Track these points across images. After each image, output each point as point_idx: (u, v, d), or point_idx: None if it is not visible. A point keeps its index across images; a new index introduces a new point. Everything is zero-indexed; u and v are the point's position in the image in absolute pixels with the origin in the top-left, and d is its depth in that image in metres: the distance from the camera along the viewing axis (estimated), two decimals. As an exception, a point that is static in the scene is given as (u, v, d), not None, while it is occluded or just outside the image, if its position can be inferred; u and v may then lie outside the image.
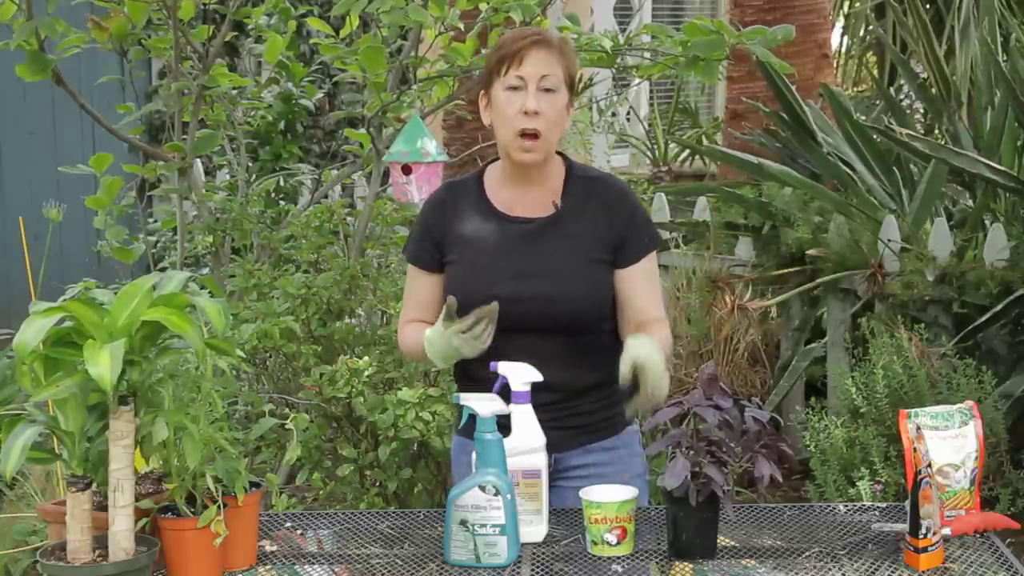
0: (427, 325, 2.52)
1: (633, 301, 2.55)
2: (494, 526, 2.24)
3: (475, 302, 2.43)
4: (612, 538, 2.28)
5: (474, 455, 2.32)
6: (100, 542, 2.05)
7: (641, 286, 2.57)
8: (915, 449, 2.29)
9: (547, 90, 2.50)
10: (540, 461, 2.38)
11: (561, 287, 2.52)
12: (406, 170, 3.75)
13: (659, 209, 5.62)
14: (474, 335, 2.39)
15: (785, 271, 5.09)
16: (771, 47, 3.70)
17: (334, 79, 6.48)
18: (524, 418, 2.39)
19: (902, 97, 9.01)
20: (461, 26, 3.94)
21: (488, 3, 3.89)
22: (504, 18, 3.89)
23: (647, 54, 4.03)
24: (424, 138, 3.71)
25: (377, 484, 3.58)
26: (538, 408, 2.45)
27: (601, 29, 7.97)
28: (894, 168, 5.40)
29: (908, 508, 2.21)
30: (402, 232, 4.32)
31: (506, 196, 2.60)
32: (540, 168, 2.57)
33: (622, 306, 2.56)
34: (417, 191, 3.71)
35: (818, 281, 4.89)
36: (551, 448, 2.51)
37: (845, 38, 10.46)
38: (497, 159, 2.66)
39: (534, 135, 2.49)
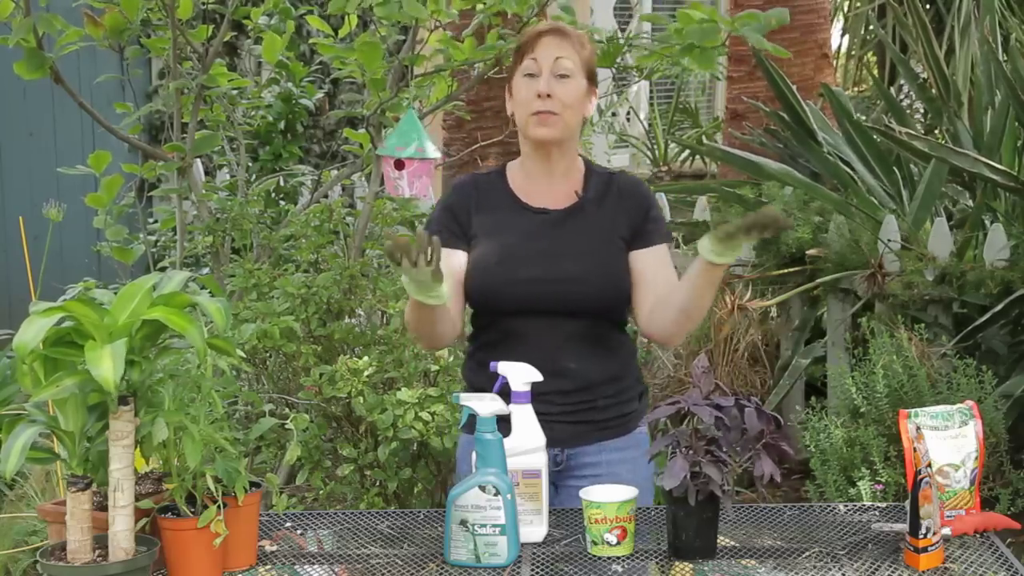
0: None
1: (656, 281, 2.58)
2: (494, 526, 2.24)
3: (502, 284, 2.55)
4: (612, 538, 2.28)
5: (474, 455, 2.32)
6: (100, 542, 2.05)
7: (663, 266, 2.61)
8: (915, 449, 2.30)
9: (562, 76, 2.56)
10: (540, 461, 2.38)
11: (588, 268, 2.57)
12: (399, 165, 3.75)
13: (659, 209, 5.62)
14: (407, 269, 2.32)
15: (785, 271, 5.10)
16: (768, 35, 3.68)
17: (331, 77, 6.48)
18: (524, 418, 2.39)
19: (902, 97, 9.03)
20: (457, 20, 3.94)
21: (484, 2, 3.89)
22: (498, 8, 3.88)
23: (646, 53, 4.03)
24: (418, 134, 3.71)
25: (377, 484, 3.58)
26: (555, 397, 2.52)
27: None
28: (894, 168, 5.41)
29: (908, 508, 2.21)
30: (402, 232, 4.32)
31: (530, 189, 2.65)
32: (561, 154, 2.62)
33: (641, 288, 2.59)
34: (409, 186, 3.71)
35: (818, 281, 4.89)
36: (564, 443, 2.58)
37: (845, 38, 10.47)
38: (513, 158, 2.72)
39: (550, 114, 2.55)
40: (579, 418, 2.59)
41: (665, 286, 2.57)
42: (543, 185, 2.64)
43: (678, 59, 3.73)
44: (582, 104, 2.60)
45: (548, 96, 2.54)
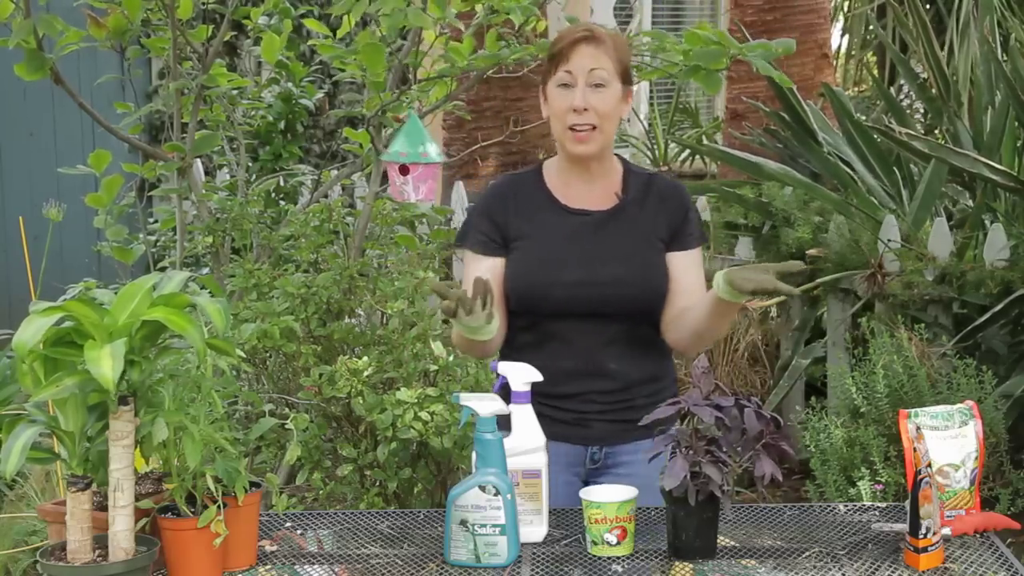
0: None
1: (685, 285, 2.62)
2: (494, 526, 2.24)
3: (543, 288, 2.56)
4: (612, 538, 2.28)
5: (474, 455, 2.33)
6: (100, 542, 2.05)
7: (692, 272, 2.65)
8: (915, 449, 2.29)
9: (597, 85, 2.55)
10: (540, 461, 2.38)
11: (631, 270, 2.59)
12: (403, 170, 3.75)
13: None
14: (461, 318, 2.38)
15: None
16: (768, 36, 3.68)
17: (333, 79, 6.48)
18: (524, 418, 2.39)
19: (902, 97, 9.02)
20: (462, 27, 3.93)
21: (483, 4, 3.89)
22: (503, 19, 3.88)
23: (647, 57, 4.03)
24: (422, 139, 3.71)
25: (377, 484, 3.58)
26: (595, 396, 2.58)
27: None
28: (894, 168, 5.41)
29: (908, 508, 2.21)
30: (402, 232, 4.32)
31: (568, 191, 2.65)
32: (600, 162, 2.63)
33: (671, 292, 2.63)
34: (414, 191, 3.71)
35: (818, 281, 4.89)
36: (603, 441, 2.62)
37: (845, 38, 10.47)
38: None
39: (588, 128, 2.55)
40: (617, 417, 2.61)
41: (692, 296, 2.61)
42: (582, 188, 2.65)
43: (683, 79, 3.71)
44: (618, 109, 2.60)
45: (585, 110, 2.54)
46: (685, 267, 2.64)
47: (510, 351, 2.65)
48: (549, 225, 2.62)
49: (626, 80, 2.60)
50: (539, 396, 2.56)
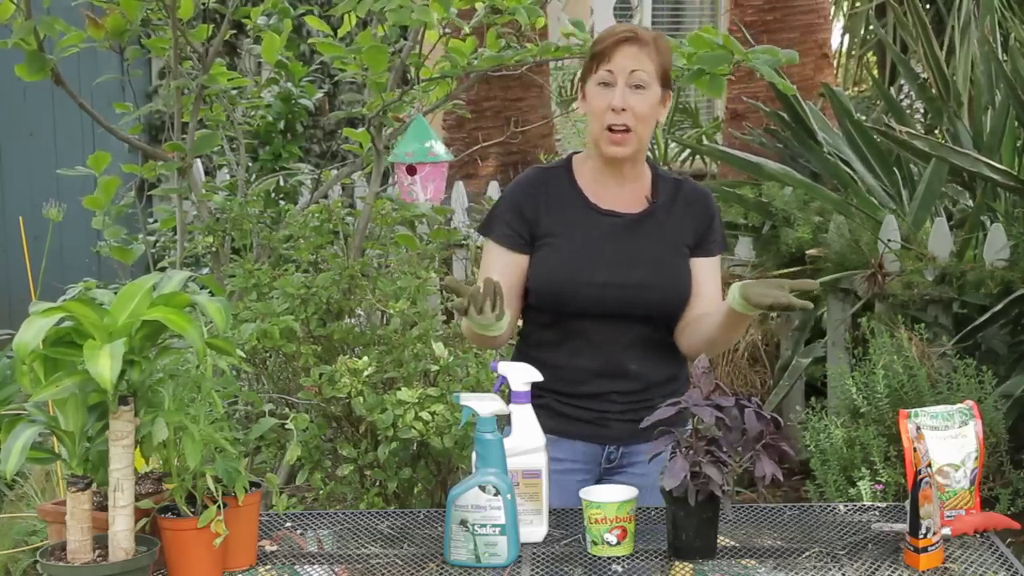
0: None
1: (704, 291, 2.65)
2: (494, 526, 2.24)
3: (573, 286, 2.57)
4: (612, 538, 2.28)
5: (474, 455, 2.33)
6: (100, 542, 2.05)
7: (711, 278, 2.68)
8: (915, 449, 2.29)
9: (637, 86, 2.56)
10: (540, 461, 2.38)
11: (657, 275, 2.61)
12: (411, 170, 3.74)
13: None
14: (472, 316, 2.41)
15: (785, 271, 5.10)
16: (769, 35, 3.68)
17: (334, 79, 6.48)
18: (524, 418, 2.39)
19: (902, 97, 9.02)
20: (467, 28, 3.93)
21: (484, 3, 3.89)
22: (507, 20, 3.88)
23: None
24: (429, 138, 3.71)
25: (377, 484, 3.58)
26: (616, 396, 2.60)
27: (601, 29, 7.93)
28: (894, 168, 5.41)
29: (908, 508, 2.21)
30: (402, 231, 4.32)
31: (600, 191, 2.66)
32: (633, 165, 2.65)
33: (691, 297, 2.65)
34: (423, 191, 3.71)
35: (818, 281, 4.89)
36: (621, 440, 2.64)
37: (845, 38, 10.46)
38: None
39: (624, 130, 2.55)
40: (636, 417, 2.59)
41: (710, 303, 2.63)
42: (614, 189, 2.66)
43: (686, 83, 3.71)
44: (656, 113, 2.61)
45: (623, 110, 2.54)
46: (705, 273, 2.67)
47: (528, 347, 2.67)
48: (579, 224, 2.63)
49: (665, 83, 2.61)
50: (559, 395, 2.60)
